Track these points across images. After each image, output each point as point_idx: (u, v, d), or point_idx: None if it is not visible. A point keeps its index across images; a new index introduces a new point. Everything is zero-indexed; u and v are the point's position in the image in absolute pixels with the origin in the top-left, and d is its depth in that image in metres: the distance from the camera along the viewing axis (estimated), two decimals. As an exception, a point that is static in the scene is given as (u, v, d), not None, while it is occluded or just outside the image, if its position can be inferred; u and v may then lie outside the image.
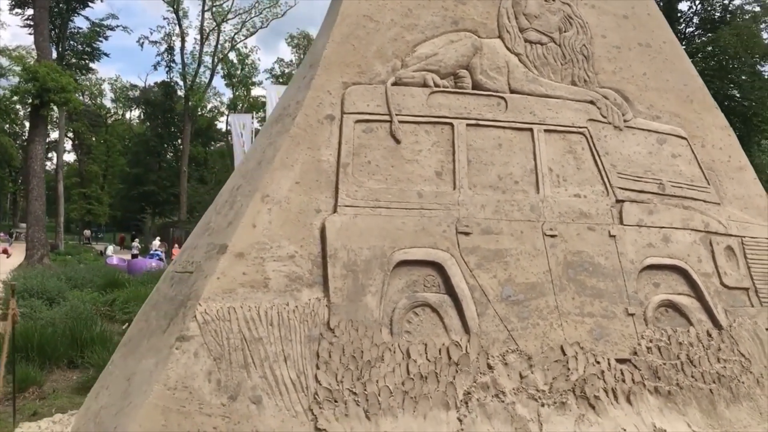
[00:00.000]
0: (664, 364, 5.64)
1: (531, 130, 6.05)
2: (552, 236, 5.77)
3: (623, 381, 5.47)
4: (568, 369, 5.37)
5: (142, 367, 4.88)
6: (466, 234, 5.52)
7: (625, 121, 6.42)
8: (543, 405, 5.19)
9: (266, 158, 5.45)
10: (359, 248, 5.20)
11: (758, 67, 30.94)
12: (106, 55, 67.14)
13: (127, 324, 11.77)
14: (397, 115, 5.68)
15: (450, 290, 5.35)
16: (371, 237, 5.27)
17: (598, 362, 5.48)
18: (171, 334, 4.82)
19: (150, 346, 5.02)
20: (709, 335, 5.92)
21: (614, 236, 5.97)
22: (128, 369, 5.13)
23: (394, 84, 5.78)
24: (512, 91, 6.13)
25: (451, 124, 5.82)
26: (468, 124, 5.87)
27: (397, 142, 5.63)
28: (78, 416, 5.70)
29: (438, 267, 5.38)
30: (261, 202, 5.15)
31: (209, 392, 4.55)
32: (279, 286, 4.97)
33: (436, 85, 5.88)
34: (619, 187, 6.16)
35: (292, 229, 5.16)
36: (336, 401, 4.73)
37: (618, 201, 6.11)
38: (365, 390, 4.83)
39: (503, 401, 5.11)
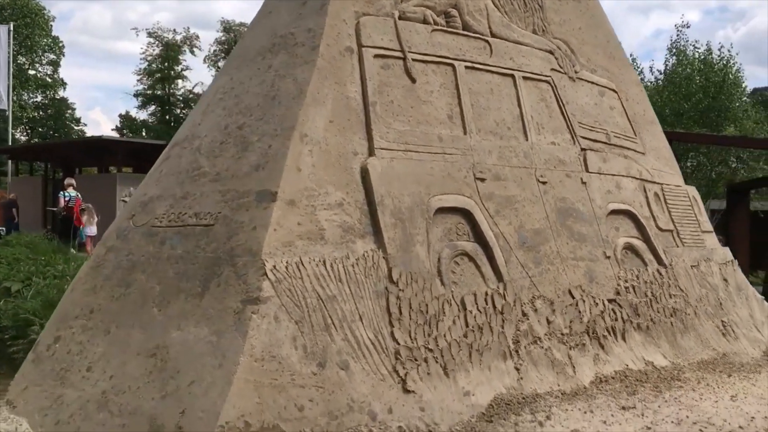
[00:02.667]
0: (640, 302, 6.02)
1: (513, 76, 6.00)
2: (543, 183, 5.81)
3: (617, 320, 5.75)
4: (580, 312, 5.50)
5: (182, 338, 4.00)
6: (482, 180, 5.34)
7: (575, 72, 6.64)
8: (570, 348, 5.26)
9: (284, 93, 4.72)
10: (401, 195, 4.77)
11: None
12: None
13: None
14: (408, 52, 5.26)
15: (478, 238, 5.15)
16: (408, 183, 4.86)
17: (597, 304, 5.68)
18: (223, 298, 4.01)
19: (178, 313, 4.13)
20: (660, 273, 6.44)
21: (585, 183, 6.19)
22: (138, 343, 4.19)
23: (399, 18, 5.34)
24: (493, 36, 6.01)
25: (453, 66, 5.55)
26: (466, 67, 5.64)
27: (413, 81, 5.23)
28: (37, 408, 4.51)
29: (466, 214, 5.14)
30: (300, 143, 4.47)
31: (298, 361, 3.89)
32: (335, 238, 4.38)
33: (435, 23, 5.55)
34: (581, 136, 6.38)
35: (335, 174, 4.57)
36: (416, 360, 4.33)
37: (582, 149, 6.33)
38: (438, 345, 4.49)
39: (542, 347, 5.08)
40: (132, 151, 29.23)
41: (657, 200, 6.90)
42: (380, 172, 4.70)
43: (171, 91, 52.50)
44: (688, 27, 34.44)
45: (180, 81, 53.03)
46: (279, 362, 3.83)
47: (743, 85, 28.83)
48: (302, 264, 4.13)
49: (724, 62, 27.34)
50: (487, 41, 5.90)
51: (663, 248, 6.63)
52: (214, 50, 54.04)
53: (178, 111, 53.59)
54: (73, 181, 18.04)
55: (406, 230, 4.69)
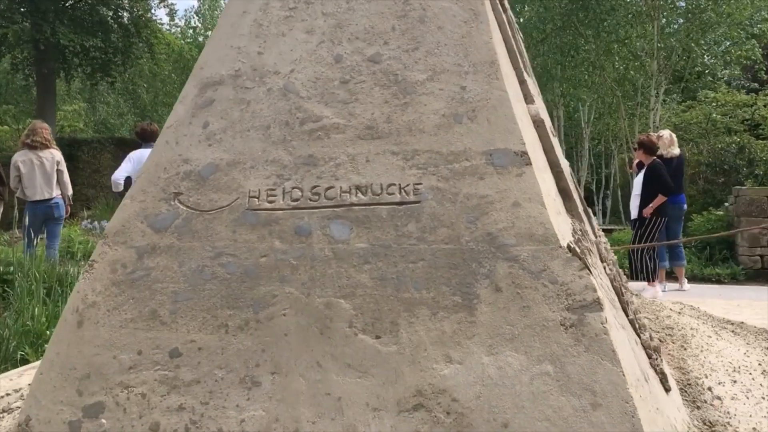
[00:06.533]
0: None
1: None
2: None
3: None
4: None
5: (472, 375, 2.59)
6: None
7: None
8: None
9: (439, 14, 3.31)
10: (558, 153, 3.84)
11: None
12: None
13: None
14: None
15: None
16: (552, 139, 3.93)
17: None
18: (522, 308, 2.70)
19: (432, 338, 2.68)
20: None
21: None
22: (360, 393, 2.65)
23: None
24: None
25: None
26: None
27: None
28: None
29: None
30: (507, 83, 3.23)
31: (645, 379, 2.83)
32: (560, 209, 3.30)
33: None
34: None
35: (530, 128, 3.43)
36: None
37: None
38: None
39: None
40: None
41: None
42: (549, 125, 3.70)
43: None
44: None
45: None
46: (643, 386, 2.74)
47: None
48: (589, 247, 3.01)
49: None
50: None
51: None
52: None
53: None
54: None
55: (573, 197, 3.79)
